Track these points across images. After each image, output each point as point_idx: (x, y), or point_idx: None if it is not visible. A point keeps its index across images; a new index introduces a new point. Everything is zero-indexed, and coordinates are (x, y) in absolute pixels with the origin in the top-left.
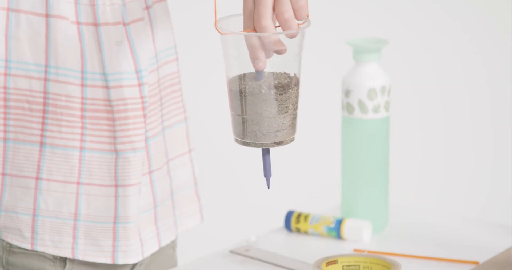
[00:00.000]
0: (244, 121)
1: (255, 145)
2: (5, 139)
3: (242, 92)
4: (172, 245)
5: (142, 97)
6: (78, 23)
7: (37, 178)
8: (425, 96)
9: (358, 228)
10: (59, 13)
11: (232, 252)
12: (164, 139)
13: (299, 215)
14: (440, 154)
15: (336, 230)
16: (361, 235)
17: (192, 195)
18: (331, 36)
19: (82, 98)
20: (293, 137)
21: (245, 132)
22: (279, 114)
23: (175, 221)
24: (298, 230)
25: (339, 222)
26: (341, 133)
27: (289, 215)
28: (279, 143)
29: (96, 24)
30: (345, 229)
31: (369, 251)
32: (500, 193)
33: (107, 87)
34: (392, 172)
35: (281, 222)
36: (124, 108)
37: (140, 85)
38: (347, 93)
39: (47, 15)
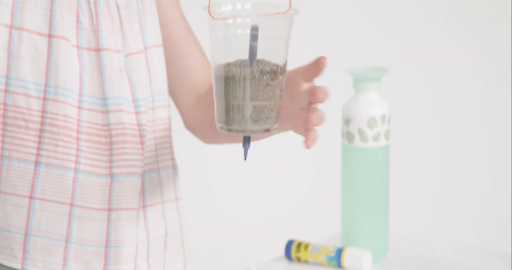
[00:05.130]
0: (232, 108)
1: (243, 132)
2: (1, 156)
3: (233, 78)
4: None
5: (139, 125)
6: (78, 47)
7: (31, 197)
8: (425, 124)
9: (358, 257)
10: (62, 34)
11: None
12: (160, 179)
13: (299, 244)
14: (441, 183)
15: (336, 259)
16: (361, 264)
17: (178, 243)
18: (331, 65)
19: (78, 120)
20: (276, 127)
21: (233, 119)
22: (269, 100)
23: (164, 264)
24: (298, 259)
25: (339, 251)
26: (341, 161)
27: (289, 244)
28: (267, 130)
29: (98, 49)
30: (346, 258)
31: None
32: (499, 221)
33: (106, 111)
34: (392, 201)
35: (281, 251)
36: (123, 132)
37: (137, 113)
38: (347, 121)
39: (50, 35)
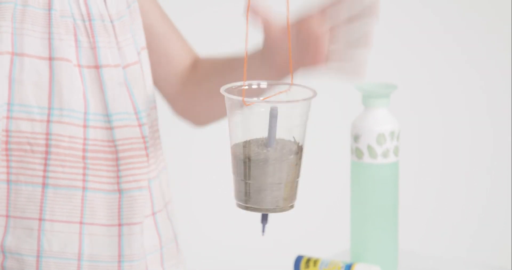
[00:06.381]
0: (248, 187)
1: (259, 210)
2: (7, 181)
3: (250, 159)
4: None
5: (143, 137)
6: (79, 66)
7: (40, 219)
8: (434, 141)
9: None
10: (63, 56)
11: None
12: (161, 183)
13: (308, 260)
14: (451, 199)
15: None
16: None
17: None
18: (340, 81)
19: (84, 139)
20: (293, 205)
21: (251, 198)
22: (286, 180)
23: (177, 263)
24: None
25: (348, 267)
26: (350, 178)
27: (298, 260)
28: (285, 208)
29: (97, 67)
30: None
31: None
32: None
33: (110, 128)
34: (401, 217)
35: (290, 267)
36: (129, 148)
37: (140, 125)
38: (356, 138)
39: (50, 58)
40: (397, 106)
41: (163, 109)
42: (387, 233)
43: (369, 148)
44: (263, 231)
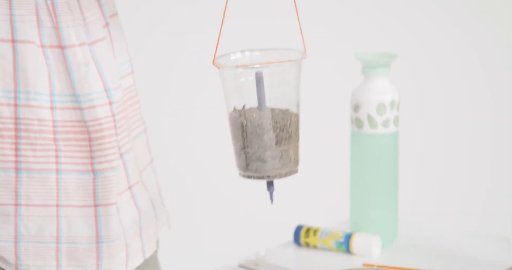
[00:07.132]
0: (249, 155)
1: (261, 177)
2: None
3: (246, 125)
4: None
5: (113, 116)
6: (42, 46)
7: (16, 205)
8: (434, 111)
9: (367, 242)
10: (26, 38)
11: (241, 266)
12: (135, 153)
13: (308, 230)
14: (450, 169)
15: (345, 245)
16: (370, 250)
17: (160, 204)
18: (340, 51)
19: (53, 121)
20: (297, 169)
21: (252, 165)
22: (285, 145)
23: (155, 231)
24: (307, 245)
25: (348, 237)
26: (350, 148)
27: (298, 230)
28: (287, 174)
29: (61, 47)
30: (354, 243)
31: (378, 266)
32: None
33: (79, 108)
34: (401, 187)
35: (290, 236)
36: (100, 128)
37: (110, 103)
38: (356, 108)
39: (13, 41)
40: (397, 75)
41: (143, 74)
42: (387, 203)
43: (369, 118)
44: (271, 198)
